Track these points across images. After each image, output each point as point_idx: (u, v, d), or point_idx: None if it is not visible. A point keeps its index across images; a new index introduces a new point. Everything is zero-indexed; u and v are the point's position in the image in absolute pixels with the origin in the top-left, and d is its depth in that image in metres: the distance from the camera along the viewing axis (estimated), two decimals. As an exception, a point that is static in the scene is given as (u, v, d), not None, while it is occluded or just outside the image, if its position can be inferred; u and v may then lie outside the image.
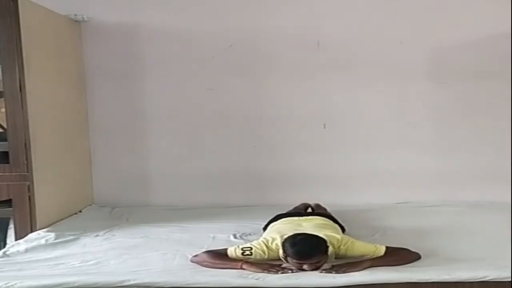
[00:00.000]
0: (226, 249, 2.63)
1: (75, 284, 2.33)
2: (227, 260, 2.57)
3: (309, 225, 2.77)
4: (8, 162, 3.11)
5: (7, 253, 2.80)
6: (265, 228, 2.98)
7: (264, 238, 2.69)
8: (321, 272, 2.42)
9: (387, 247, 2.58)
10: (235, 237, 3.05)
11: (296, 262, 2.46)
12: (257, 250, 2.60)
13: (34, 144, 3.11)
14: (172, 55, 3.84)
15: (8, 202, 3.15)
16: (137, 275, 2.42)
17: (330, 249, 2.53)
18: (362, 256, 2.57)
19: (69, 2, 3.68)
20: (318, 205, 3.49)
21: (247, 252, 2.59)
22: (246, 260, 2.54)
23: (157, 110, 3.91)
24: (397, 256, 2.54)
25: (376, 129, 3.88)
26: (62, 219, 3.39)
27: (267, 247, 2.60)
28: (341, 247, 2.61)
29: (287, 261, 2.51)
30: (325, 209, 3.40)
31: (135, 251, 2.82)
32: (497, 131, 3.79)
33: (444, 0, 3.77)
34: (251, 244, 2.65)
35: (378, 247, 2.58)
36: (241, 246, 2.63)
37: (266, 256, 2.60)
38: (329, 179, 3.89)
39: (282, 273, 2.44)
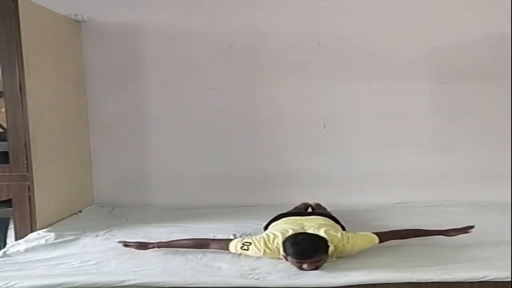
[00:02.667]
0: (229, 241, 2.71)
1: (75, 284, 2.33)
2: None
3: (311, 225, 2.78)
4: (8, 162, 3.11)
5: (7, 253, 2.80)
6: (266, 228, 2.99)
7: (266, 234, 2.71)
8: None
9: (377, 234, 2.70)
10: (235, 237, 3.04)
11: (296, 261, 2.47)
12: (254, 247, 2.63)
13: (34, 144, 3.11)
14: (172, 55, 3.85)
15: (8, 202, 3.15)
16: (137, 275, 2.42)
17: (331, 248, 2.54)
18: (365, 248, 2.65)
19: (69, 2, 3.68)
20: (318, 205, 3.50)
21: (244, 247, 2.65)
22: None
23: (157, 110, 3.91)
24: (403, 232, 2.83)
25: (376, 129, 3.88)
26: (62, 219, 3.39)
27: (265, 244, 2.62)
28: (346, 244, 2.63)
29: (287, 260, 2.52)
30: (325, 209, 3.41)
31: (135, 251, 2.81)
32: (497, 131, 3.79)
33: (444, 0, 3.77)
34: (252, 239, 2.68)
35: (372, 236, 2.69)
36: (243, 240, 2.68)
37: (261, 254, 2.62)
38: (329, 179, 3.90)
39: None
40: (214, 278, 2.40)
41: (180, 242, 2.81)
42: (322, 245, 2.51)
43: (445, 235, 2.83)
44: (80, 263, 2.66)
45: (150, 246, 2.79)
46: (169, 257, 2.70)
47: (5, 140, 3.13)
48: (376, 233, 2.72)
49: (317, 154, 3.91)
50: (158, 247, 2.78)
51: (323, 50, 3.81)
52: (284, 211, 3.15)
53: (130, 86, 3.89)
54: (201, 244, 2.78)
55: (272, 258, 2.61)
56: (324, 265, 2.49)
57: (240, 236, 3.05)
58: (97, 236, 3.12)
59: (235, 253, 2.70)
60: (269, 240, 2.63)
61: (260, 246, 2.62)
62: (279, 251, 2.58)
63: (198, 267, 2.56)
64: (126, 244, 2.82)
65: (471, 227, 2.81)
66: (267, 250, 2.61)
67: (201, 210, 3.74)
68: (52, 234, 3.03)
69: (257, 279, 2.39)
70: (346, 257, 2.62)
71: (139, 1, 3.83)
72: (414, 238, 2.89)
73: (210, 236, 3.01)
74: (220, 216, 3.54)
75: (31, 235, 3.04)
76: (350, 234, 2.69)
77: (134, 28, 3.84)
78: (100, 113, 3.91)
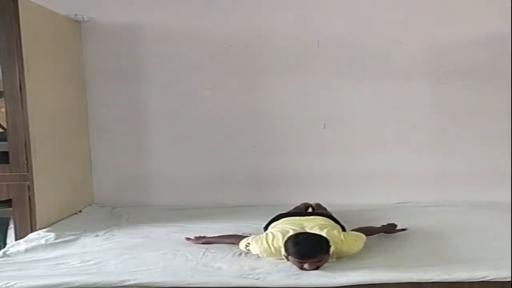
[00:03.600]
0: (241, 239, 2.78)
1: (75, 284, 2.33)
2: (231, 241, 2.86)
3: (311, 225, 2.78)
4: (8, 162, 3.11)
5: (7, 253, 2.80)
6: (266, 228, 2.99)
7: (266, 234, 2.74)
8: None
9: (362, 232, 2.83)
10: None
11: (297, 261, 2.47)
12: (251, 247, 2.67)
13: (34, 144, 3.11)
14: (172, 55, 3.84)
15: (8, 202, 3.15)
16: (137, 275, 2.42)
17: (332, 248, 2.54)
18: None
19: (69, 2, 3.68)
20: (318, 205, 3.50)
21: (248, 247, 2.70)
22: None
23: (157, 110, 3.91)
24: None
25: (376, 129, 3.88)
26: (62, 219, 3.39)
27: (262, 244, 2.64)
28: (352, 247, 2.64)
29: (288, 260, 2.52)
30: (325, 209, 3.41)
31: (135, 251, 2.82)
32: (497, 131, 3.79)
33: (444, 0, 3.77)
34: (252, 239, 2.72)
35: (363, 236, 2.77)
36: (247, 240, 2.72)
37: (259, 254, 2.64)
38: (329, 179, 3.89)
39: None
40: (214, 278, 2.40)
41: (220, 238, 2.93)
42: (323, 245, 2.51)
43: (386, 233, 3.01)
44: (80, 263, 2.66)
45: (203, 240, 2.93)
46: (169, 257, 2.70)
47: (5, 140, 3.13)
48: (362, 232, 2.83)
49: (317, 154, 3.90)
50: (208, 243, 2.90)
51: (323, 50, 3.80)
52: (284, 211, 3.16)
53: (130, 86, 3.89)
54: (231, 240, 2.87)
55: (272, 258, 2.61)
56: (325, 265, 2.49)
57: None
58: (97, 236, 3.13)
59: (235, 253, 2.73)
60: (267, 241, 2.65)
61: (257, 246, 2.64)
62: (277, 251, 2.58)
63: (198, 267, 2.57)
64: (188, 238, 2.98)
65: (395, 225, 3.06)
66: (263, 253, 2.63)
67: (201, 210, 3.74)
68: (52, 234, 3.03)
69: (257, 279, 2.39)
70: (346, 257, 2.62)
71: (139, 1, 3.84)
72: (413, 238, 2.91)
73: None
74: (220, 216, 3.54)
75: (31, 235, 3.04)
76: (353, 237, 2.71)
77: (134, 28, 3.84)
78: (100, 113, 3.91)
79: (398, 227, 3.06)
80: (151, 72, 3.88)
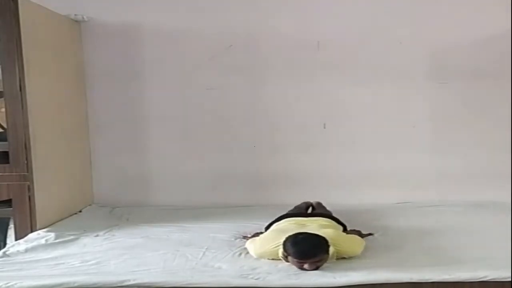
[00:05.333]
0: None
1: (75, 284, 2.33)
2: None
3: (313, 225, 2.78)
4: (8, 162, 3.11)
5: (7, 253, 2.80)
6: (267, 228, 2.99)
7: (260, 236, 2.78)
8: None
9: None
10: (235, 237, 3.06)
11: (297, 261, 2.47)
12: (249, 247, 2.73)
13: (34, 144, 3.11)
14: (172, 55, 3.84)
15: (8, 202, 3.15)
16: (137, 275, 2.42)
17: (331, 249, 2.53)
18: None
19: (69, 2, 3.68)
20: (319, 204, 3.50)
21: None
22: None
23: (157, 110, 3.91)
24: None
25: (376, 129, 3.88)
26: (62, 219, 3.39)
27: (255, 248, 2.67)
28: (353, 248, 2.65)
29: (287, 261, 2.52)
30: (325, 208, 3.41)
31: (135, 251, 2.82)
32: (497, 131, 3.79)
33: (444, 0, 3.77)
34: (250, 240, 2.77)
35: (362, 239, 2.80)
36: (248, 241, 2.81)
37: (254, 255, 2.65)
38: (329, 179, 3.89)
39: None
40: (214, 278, 2.40)
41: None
42: (322, 245, 2.50)
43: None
44: (80, 263, 2.66)
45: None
46: (169, 257, 2.70)
47: (5, 140, 3.14)
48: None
49: (317, 154, 3.90)
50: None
51: (323, 50, 3.81)
52: (284, 211, 3.16)
53: (130, 86, 3.89)
54: None
55: (266, 258, 2.62)
56: (325, 265, 2.49)
57: (240, 236, 3.07)
58: (97, 236, 3.12)
59: (235, 253, 2.75)
60: (260, 242, 2.67)
61: (252, 247, 2.68)
62: (273, 252, 2.59)
63: (198, 267, 2.56)
64: (244, 236, 3.00)
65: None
66: (259, 256, 2.63)
67: (201, 210, 3.73)
68: (52, 234, 3.03)
69: (257, 279, 2.39)
70: (346, 257, 2.62)
71: (139, 1, 3.84)
72: (414, 238, 2.92)
73: (210, 236, 3.07)
74: (220, 216, 3.54)
75: (31, 235, 3.04)
76: (355, 239, 2.72)
77: (134, 28, 3.84)
78: (100, 113, 3.91)
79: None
80: (151, 72, 3.88)
